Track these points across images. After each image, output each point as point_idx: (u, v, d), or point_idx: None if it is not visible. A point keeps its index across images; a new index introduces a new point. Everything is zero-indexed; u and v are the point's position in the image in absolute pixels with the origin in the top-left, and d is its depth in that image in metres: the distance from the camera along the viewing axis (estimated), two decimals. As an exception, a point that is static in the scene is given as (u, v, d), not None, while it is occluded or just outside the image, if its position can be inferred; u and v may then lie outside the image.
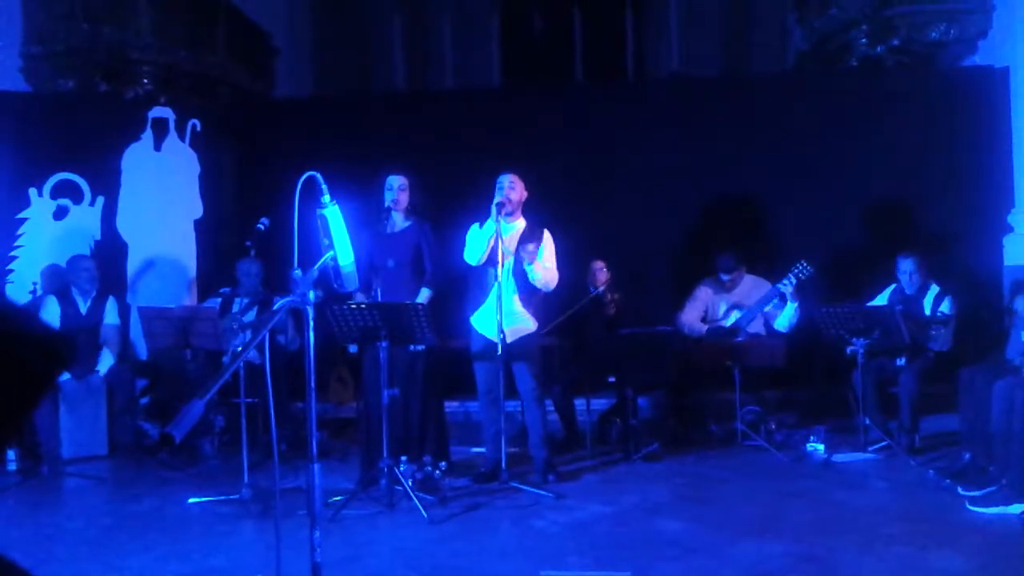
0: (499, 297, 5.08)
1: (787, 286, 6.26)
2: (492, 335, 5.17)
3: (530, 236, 5.34)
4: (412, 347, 5.23)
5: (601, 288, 6.62)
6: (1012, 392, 4.66)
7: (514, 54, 12.83)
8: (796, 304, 6.32)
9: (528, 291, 5.37)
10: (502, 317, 5.06)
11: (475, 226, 5.33)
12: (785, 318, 6.38)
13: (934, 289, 6.15)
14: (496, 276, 5.15)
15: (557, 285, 5.47)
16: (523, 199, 5.42)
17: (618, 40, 12.71)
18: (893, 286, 6.29)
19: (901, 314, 5.77)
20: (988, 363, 5.38)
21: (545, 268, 5.31)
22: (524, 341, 5.36)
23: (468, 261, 5.33)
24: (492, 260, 5.20)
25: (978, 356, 5.88)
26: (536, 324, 5.44)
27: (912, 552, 3.88)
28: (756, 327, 6.56)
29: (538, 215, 5.51)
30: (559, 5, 12.85)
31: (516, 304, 5.33)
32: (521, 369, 5.38)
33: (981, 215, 7.63)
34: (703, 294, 6.73)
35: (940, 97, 7.80)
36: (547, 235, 5.40)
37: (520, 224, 5.41)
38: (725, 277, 6.64)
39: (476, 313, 5.41)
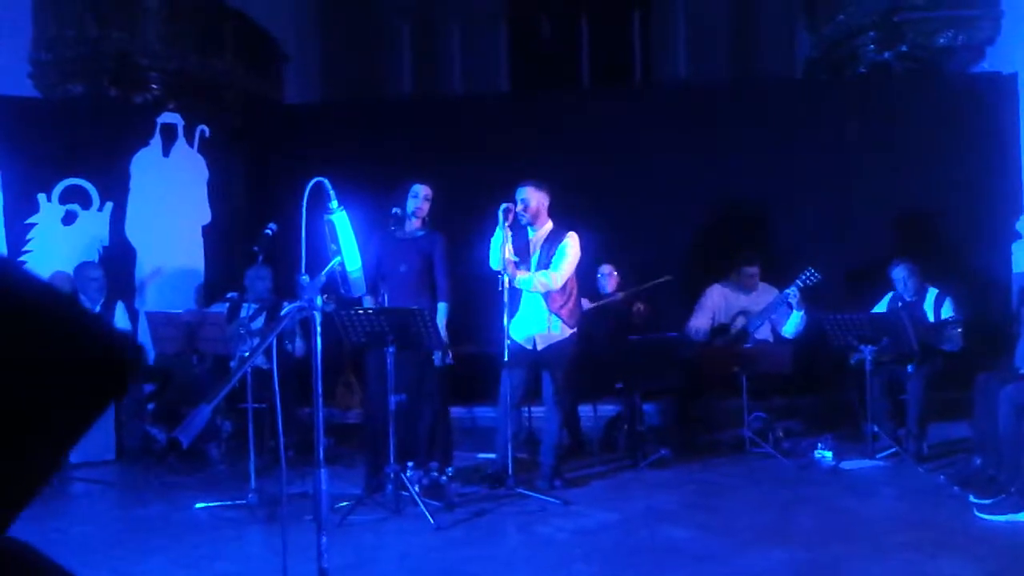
0: (506, 303, 5.08)
1: (792, 295, 6.26)
2: (522, 340, 5.22)
3: (553, 240, 5.36)
4: (436, 360, 5.26)
5: (619, 294, 6.63)
6: (1019, 397, 4.65)
7: (522, 60, 12.86)
8: (801, 312, 6.31)
9: (550, 297, 5.36)
10: (516, 322, 5.09)
11: (497, 231, 5.34)
12: (791, 325, 6.38)
13: (932, 292, 6.14)
14: (502, 284, 5.14)
15: (577, 292, 5.50)
16: (544, 207, 5.43)
17: (625, 46, 12.72)
18: (891, 294, 6.29)
19: (908, 320, 5.75)
20: (1000, 369, 5.36)
21: (537, 275, 5.31)
22: (556, 348, 5.36)
23: (492, 266, 5.33)
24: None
25: (988, 362, 5.85)
26: (571, 329, 5.42)
27: (920, 560, 3.86)
28: (763, 334, 6.55)
29: (558, 218, 5.51)
30: (567, 11, 12.87)
31: (545, 310, 5.34)
32: (551, 376, 5.38)
33: (990, 221, 7.61)
34: (710, 301, 6.71)
35: (948, 103, 7.79)
36: (569, 239, 5.40)
37: (546, 228, 5.44)
38: (750, 271, 6.61)
39: (512, 320, 5.38)
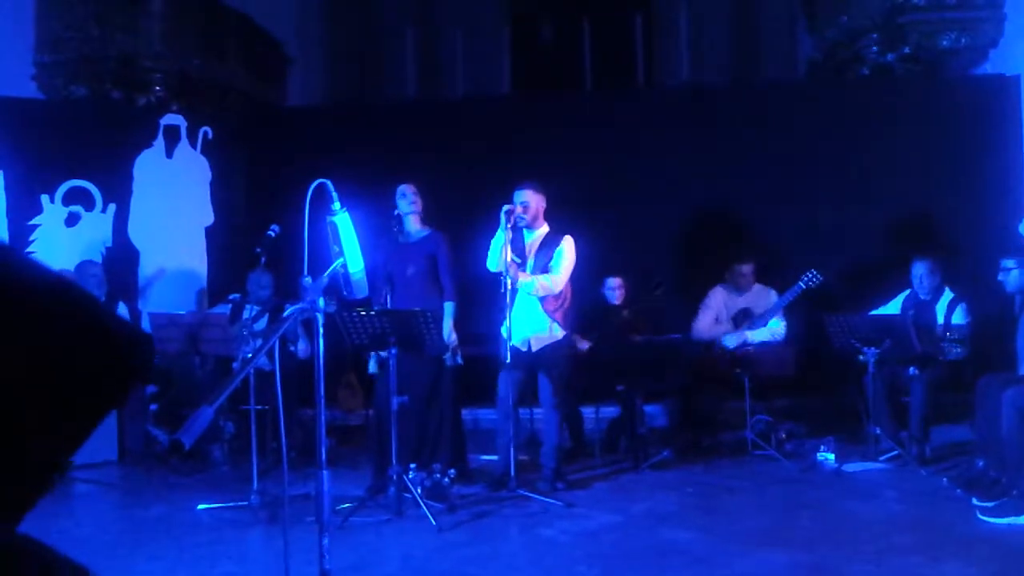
0: (508, 305, 5.09)
1: (787, 299, 6.29)
2: (517, 342, 5.20)
3: (550, 243, 5.37)
4: (447, 361, 5.29)
5: (626, 313, 6.61)
6: (1022, 400, 4.64)
7: (524, 62, 12.86)
8: (783, 322, 6.35)
9: (545, 299, 5.36)
10: (511, 325, 5.09)
11: (498, 233, 5.35)
12: (766, 332, 6.39)
13: (948, 295, 6.11)
14: (504, 285, 5.14)
15: (572, 295, 5.49)
16: (541, 209, 5.44)
17: (628, 49, 12.71)
18: (907, 292, 6.26)
19: (913, 324, 5.75)
20: (1002, 372, 5.35)
21: (538, 278, 5.32)
22: (551, 349, 5.37)
23: (489, 268, 5.34)
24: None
25: (990, 364, 5.84)
26: (565, 332, 5.43)
27: (923, 562, 3.85)
28: (763, 335, 6.54)
29: (557, 221, 5.51)
30: (569, 15, 12.86)
31: (540, 312, 5.35)
32: (544, 377, 5.38)
33: (992, 224, 7.60)
34: (713, 301, 6.71)
35: (951, 105, 7.78)
36: (566, 242, 5.41)
37: (542, 231, 5.44)
38: (743, 269, 6.59)
39: (505, 322, 5.40)
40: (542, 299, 5.35)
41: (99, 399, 0.86)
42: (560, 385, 5.39)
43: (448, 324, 5.30)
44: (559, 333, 5.40)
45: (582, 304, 6.47)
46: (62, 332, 0.81)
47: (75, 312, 0.84)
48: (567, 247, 5.40)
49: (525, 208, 5.34)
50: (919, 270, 6.16)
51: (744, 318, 6.54)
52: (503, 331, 5.39)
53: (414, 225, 5.49)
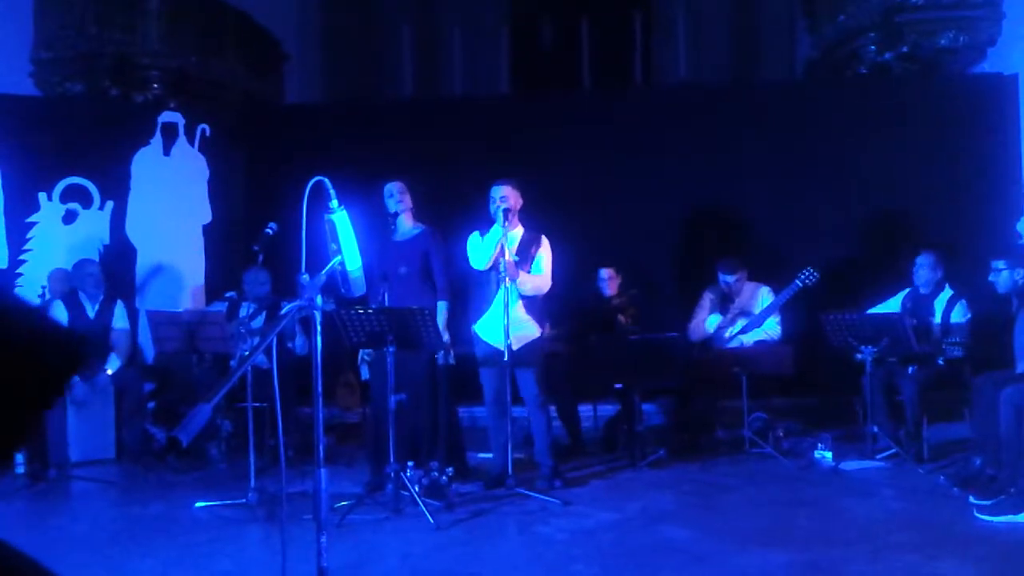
0: (505, 303, 5.08)
1: (784, 298, 6.30)
2: (497, 342, 5.18)
3: (529, 243, 5.37)
4: (439, 359, 5.29)
5: (616, 301, 6.61)
6: (1019, 399, 4.65)
7: (523, 61, 12.84)
8: (779, 318, 6.35)
9: (530, 297, 5.38)
10: (490, 323, 5.09)
11: (475, 234, 5.35)
12: (761, 331, 6.39)
13: (947, 292, 6.10)
14: (501, 282, 5.14)
15: (563, 291, 5.48)
16: (519, 207, 5.43)
17: (627, 48, 12.71)
18: (907, 290, 6.24)
19: (910, 317, 5.75)
20: (999, 370, 5.35)
21: (533, 277, 5.33)
22: (529, 347, 5.36)
23: (475, 266, 5.34)
24: (498, 266, 5.21)
25: (988, 363, 5.84)
26: (540, 330, 5.44)
27: (920, 561, 3.86)
28: (759, 334, 6.54)
29: (542, 222, 5.52)
30: (568, 14, 12.85)
31: (520, 310, 5.34)
32: (526, 375, 5.38)
33: (990, 223, 7.60)
34: (707, 302, 6.71)
35: (949, 104, 7.79)
36: (545, 242, 5.43)
37: (519, 232, 5.43)
38: (728, 279, 6.58)
39: (480, 321, 5.42)
40: (523, 298, 5.34)
41: (28, 402, 0.85)
42: (540, 382, 5.39)
43: (441, 323, 5.29)
44: (536, 331, 5.41)
45: (578, 297, 6.49)
46: None
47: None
48: (547, 248, 5.42)
49: (504, 199, 5.31)
50: (923, 261, 6.14)
51: (739, 316, 6.54)
52: (478, 329, 5.39)
53: (407, 223, 5.50)
